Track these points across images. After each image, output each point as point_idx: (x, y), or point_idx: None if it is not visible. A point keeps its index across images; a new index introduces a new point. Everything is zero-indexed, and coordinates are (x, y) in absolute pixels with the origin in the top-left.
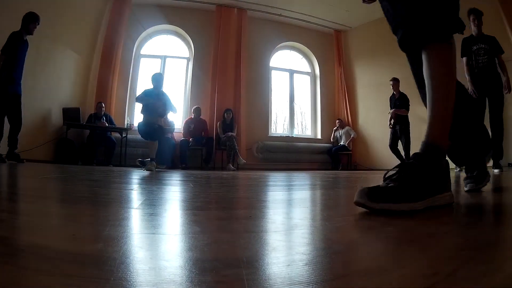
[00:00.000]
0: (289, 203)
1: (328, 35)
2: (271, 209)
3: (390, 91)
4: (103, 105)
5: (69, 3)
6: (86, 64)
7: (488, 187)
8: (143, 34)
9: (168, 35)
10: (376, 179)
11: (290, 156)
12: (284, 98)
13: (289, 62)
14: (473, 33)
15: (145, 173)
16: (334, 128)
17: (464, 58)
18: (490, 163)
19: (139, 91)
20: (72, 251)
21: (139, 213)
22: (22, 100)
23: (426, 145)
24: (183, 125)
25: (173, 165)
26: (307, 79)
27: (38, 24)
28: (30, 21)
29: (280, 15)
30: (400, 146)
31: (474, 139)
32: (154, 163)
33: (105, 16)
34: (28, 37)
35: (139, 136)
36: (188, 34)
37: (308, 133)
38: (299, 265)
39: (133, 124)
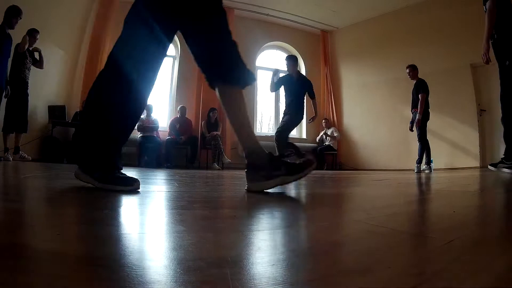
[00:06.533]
0: (274, 202)
1: (315, 35)
2: (256, 208)
3: (375, 92)
4: None
5: None
6: (72, 61)
7: None
8: None
9: None
10: (361, 180)
11: None
12: (270, 97)
13: (275, 61)
14: None
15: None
16: (323, 132)
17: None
18: None
19: None
20: (57, 251)
21: (124, 213)
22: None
23: None
24: (168, 124)
25: (158, 164)
26: None
27: (20, 18)
28: (13, 15)
29: (267, 14)
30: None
31: None
32: None
33: (92, 13)
34: (13, 34)
35: None
36: None
37: (293, 132)
38: (284, 265)
39: None
